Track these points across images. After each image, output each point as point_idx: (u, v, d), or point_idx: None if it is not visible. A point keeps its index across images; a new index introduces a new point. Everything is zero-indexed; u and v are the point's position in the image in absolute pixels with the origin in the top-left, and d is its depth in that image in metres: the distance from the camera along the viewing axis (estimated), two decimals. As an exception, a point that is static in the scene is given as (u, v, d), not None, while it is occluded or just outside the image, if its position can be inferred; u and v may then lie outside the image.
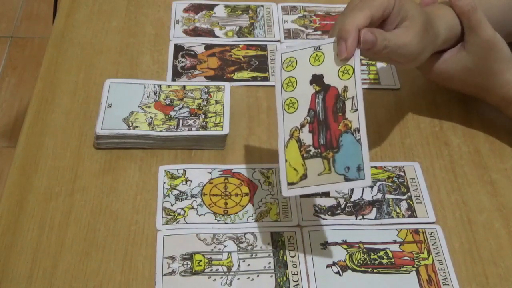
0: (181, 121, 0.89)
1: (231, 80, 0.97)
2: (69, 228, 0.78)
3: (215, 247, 0.77)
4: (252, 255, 0.76)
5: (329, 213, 0.81)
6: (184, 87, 0.94)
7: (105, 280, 0.74)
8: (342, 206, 0.82)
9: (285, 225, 0.79)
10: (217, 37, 1.05)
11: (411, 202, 0.82)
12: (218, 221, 0.80)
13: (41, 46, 2.39)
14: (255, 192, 0.83)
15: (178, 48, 1.03)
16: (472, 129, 0.92)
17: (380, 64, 1.01)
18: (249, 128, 0.91)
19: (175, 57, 1.01)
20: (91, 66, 0.99)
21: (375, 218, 0.81)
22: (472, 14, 0.86)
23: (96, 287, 0.73)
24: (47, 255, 0.75)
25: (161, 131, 0.87)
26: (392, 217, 0.81)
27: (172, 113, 0.90)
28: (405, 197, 0.83)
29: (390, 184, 0.84)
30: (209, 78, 0.98)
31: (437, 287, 0.74)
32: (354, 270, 0.75)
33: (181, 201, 0.82)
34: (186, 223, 0.79)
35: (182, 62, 1.00)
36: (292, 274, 0.75)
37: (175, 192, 0.83)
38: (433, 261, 0.77)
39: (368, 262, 0.76)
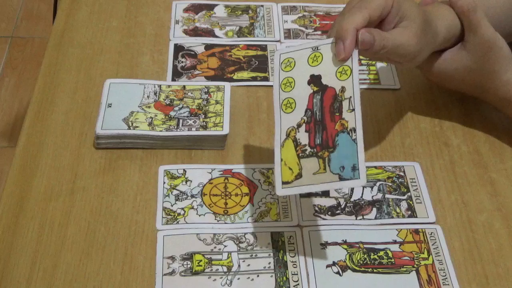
0: (181, 121, 0.89)
1: (231, 80, 0.97)
2: (69, 228, 0.78)
3: (215, 247, 0.77)
4: (252, 255, 0.76)
5: (329, 213, 0.81)
6: (184, 87, 0.94)
7: (105, 280, 0.74)
8: (342, 206, 0.82)
9: (285, 225, 0.79)
10: (217, 37, 1.05)
11: (411, 202, 0.82)
12: (218, 221, 0.80)
13: (41, 46, 2.39)
14: (255, 192, 0.83)
15: (178, 48, 1.03)
16: (472, 129, 0.92)
17: (380, 64, 1.01)
18: (249, 128, 0.91)
19: (175, 57, 1.01)
20: (91, 66, 0.99)
21: (375, 218, 0.81)
22: (472, 13, 0.86)
23: (96, 287, 0.73)
24: (47, 255, 0.75)
25: (161, 131, 0.87)
26: (392, 217, 0.81)
27: (172, 113, 0.90)
28: (405, 197, 0.83)
29: (390, 184, 0.84)
30: (209, 78, 0.98)
31: (437, 287, 0.74)
32: (354, 270, 0.75)
33: (181, 201, 0.82)
34: (186, 223, 0.79)
35: (182, 62, 1.00)
36: (292, 274, 0.75)
37: (175, 192, 0.82)
38: (433, 261, 0.77)
39: (368, 262, 0.76)
